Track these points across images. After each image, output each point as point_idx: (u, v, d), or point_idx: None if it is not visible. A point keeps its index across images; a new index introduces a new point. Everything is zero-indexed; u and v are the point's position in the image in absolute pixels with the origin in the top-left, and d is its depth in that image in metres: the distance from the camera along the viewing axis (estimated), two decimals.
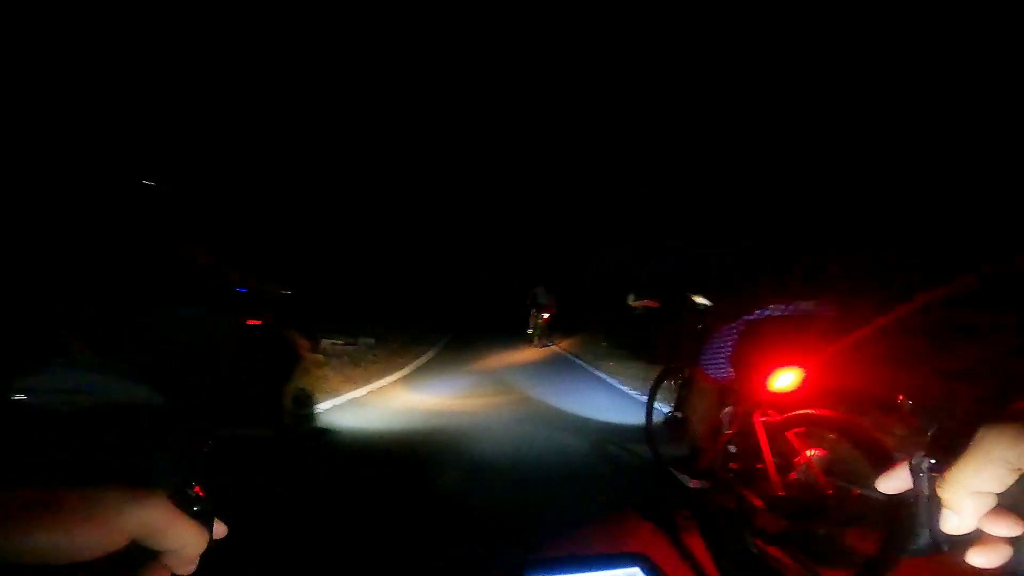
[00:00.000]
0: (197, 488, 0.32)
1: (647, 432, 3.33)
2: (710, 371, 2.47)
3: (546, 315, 10.83)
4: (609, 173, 19.37)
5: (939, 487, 0.31)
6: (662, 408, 3.43)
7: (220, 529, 0.35)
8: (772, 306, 2.19)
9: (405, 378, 6.88)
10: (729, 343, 2.35)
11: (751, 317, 2.26)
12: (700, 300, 2.80)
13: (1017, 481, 0.29)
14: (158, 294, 2.52)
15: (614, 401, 5.63)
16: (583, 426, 4.45)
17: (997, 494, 0.29)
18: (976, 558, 0.30)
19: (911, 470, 0.34)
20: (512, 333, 13.42)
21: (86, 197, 2.36)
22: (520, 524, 2.33)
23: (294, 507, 2.43)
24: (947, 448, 0.31)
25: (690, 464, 2.69)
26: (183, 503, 0.31)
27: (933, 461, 0.32)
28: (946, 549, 0.32)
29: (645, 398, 3.62)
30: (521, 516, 2.43)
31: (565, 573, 0.55)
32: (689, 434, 2.69)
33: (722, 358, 2.38)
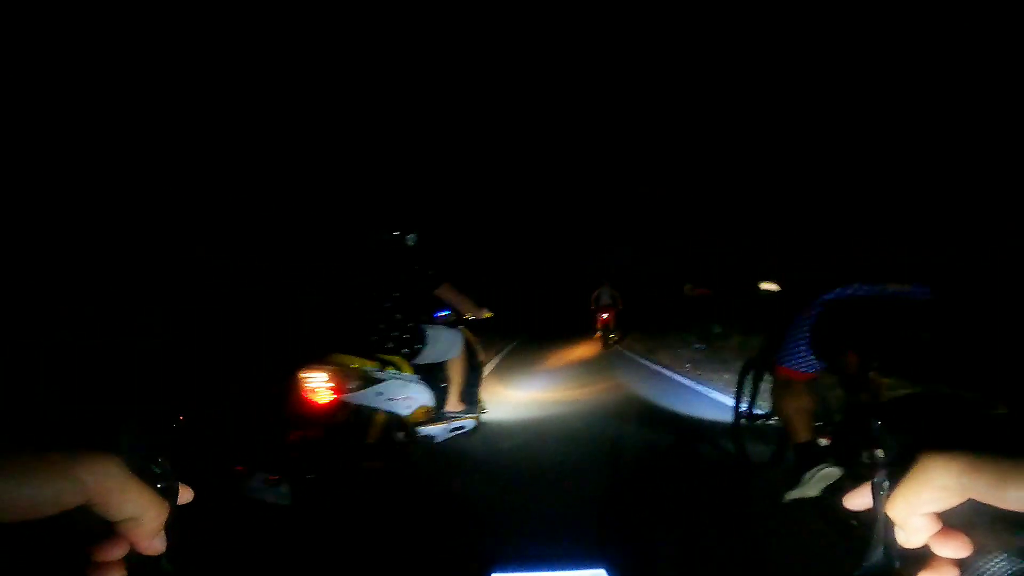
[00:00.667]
0: (164, 463, 0.32)
1: (733, 430, 3.14)
2: (793, 365, 2.16)
3: (604, 316, 10.84)
4: (609, 173, 19.39)
5: (888, 506, 0.32)
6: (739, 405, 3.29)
7: (186, 494, 0.34)
8: (856, 286, 1.95)
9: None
10: (807, 330, 2.07)
11: (831, 296, 2.01)
12: (767, 286, 2.56)
13: (968, 503, 0.30)
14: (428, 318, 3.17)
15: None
16: (665, 421, 4.48)
17: (941, 516, 0.31)
18: (940, 569, 0.31)
19: (872, 489, 0.35)
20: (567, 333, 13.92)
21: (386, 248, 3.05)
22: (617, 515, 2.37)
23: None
24: (897, 470, 0.32)
25: (783, 463, 2.39)
26: (144, 474, 0.31)
27: (888, 482, 0.33)
28: (897, 566, 0.33)
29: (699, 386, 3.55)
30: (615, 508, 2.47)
31: (530, 572, 0.55)
32: (784, 435, 2.36)
33: (804, 348, 2.09)
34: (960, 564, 0.30)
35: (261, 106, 8.88)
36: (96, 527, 0.30)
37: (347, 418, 2.44)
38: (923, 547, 0.31)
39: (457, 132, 16.48)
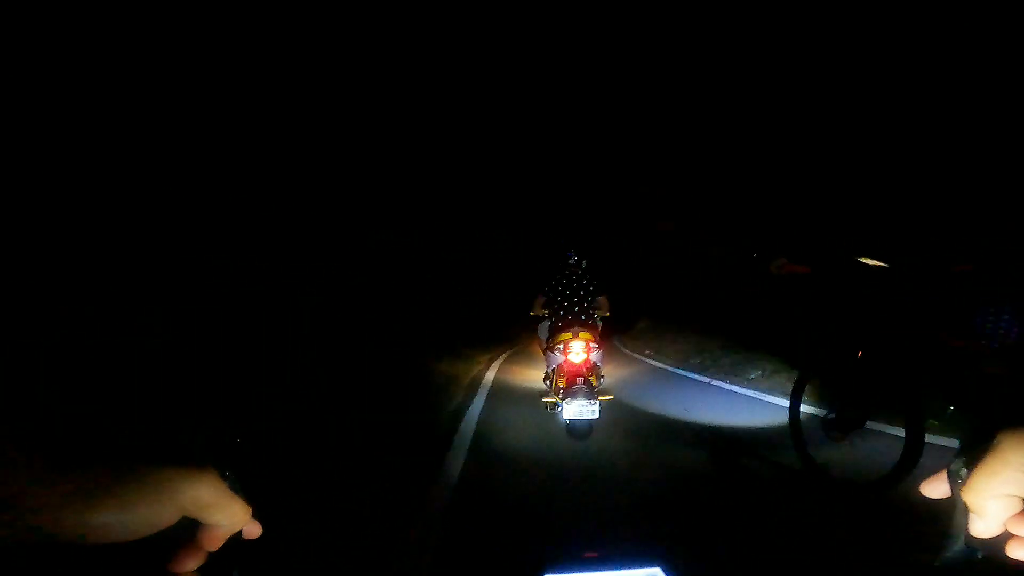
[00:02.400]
0: (231, 475, 0.34)
1: (795, 438, 2.81)
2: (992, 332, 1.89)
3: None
4: (609, 173, 19.35)
5: (964, 492, 0.31)
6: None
7: (256, 529, 0.35)
8: None
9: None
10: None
11: None
12: (870, 261, 2.36)
13: None
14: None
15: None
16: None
17: (1022, 498, 0.30)
18: (1017, 550, 0.30)
19: (949, 477, 0.34)
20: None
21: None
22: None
23: None
24: (973, 454, 0.31)
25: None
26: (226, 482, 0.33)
27: (965, 469, 0.32)
28: (979, 557, 0.32)
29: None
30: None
31: (584, 572, 0.54)
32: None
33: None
34: None
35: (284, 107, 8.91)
36: (183, 532, 0.31)
37: (592, 367, 3.76)
38: (1004, 535, 0.30)
39: (461, 133, 16.47)
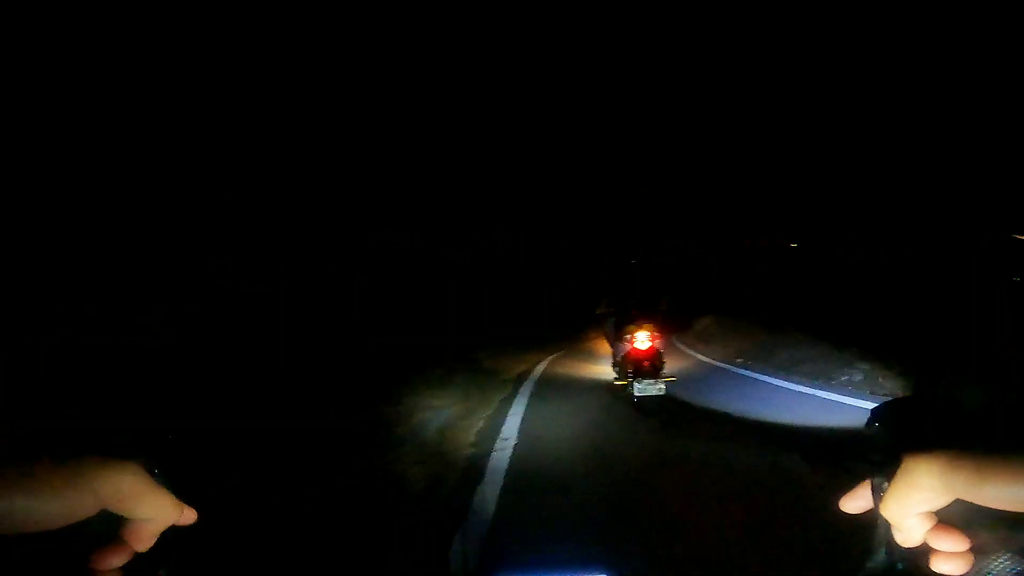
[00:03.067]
0: (160, 473, 0.33)
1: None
2: None
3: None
4: (608, 174, 19.38)
5: (882, 508, 0.32)
6: None
7: (189, 515, 0.35)
8: None
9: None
10: None
11: None
12: None
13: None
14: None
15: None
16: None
17: (940, 514, 0.31)
18: (941, 565, 0.30)
19: (872, 490, 0.34)
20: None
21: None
22: None
23: None
24: (891, 471, 0.32)
25: None
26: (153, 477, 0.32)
27: (885, 483, 0.32)
28: (900, 568, 0.33)
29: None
30: None
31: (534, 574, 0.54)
32: None
33: None
34: (962, 562, 0.30)
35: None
36: (103, 526, 0.30)
37: (655, 353, 4.36)
38: (924, 546, 0.31)
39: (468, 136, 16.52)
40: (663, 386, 4.10)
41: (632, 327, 4.45)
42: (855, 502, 0.36)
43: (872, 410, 0.37)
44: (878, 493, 0.33)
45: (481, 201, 18.99)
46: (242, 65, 8.30)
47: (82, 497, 0.28)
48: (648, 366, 4.23)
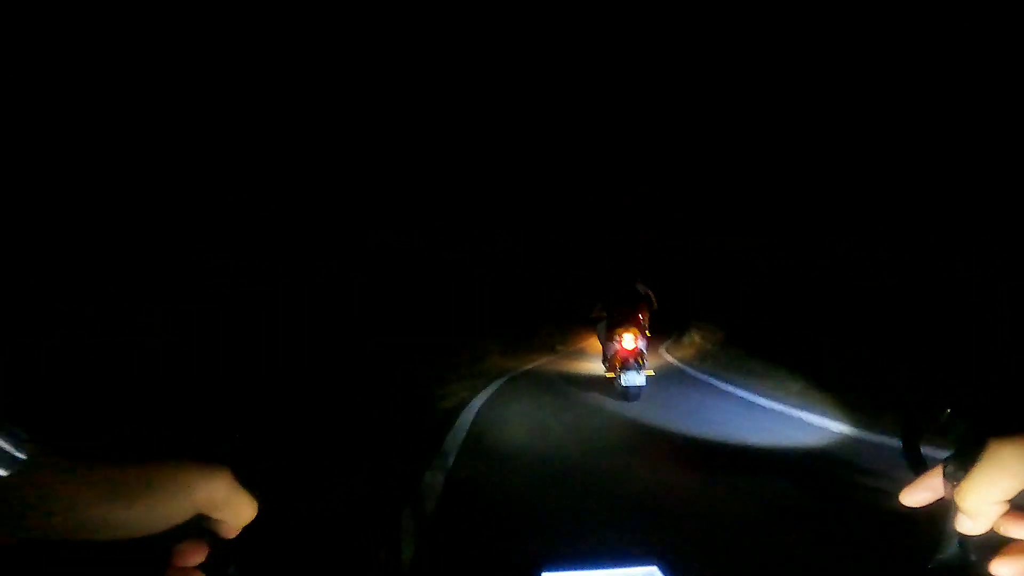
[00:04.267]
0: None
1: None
2: None
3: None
4: (606, 175, 19.42)
5: (956, 495, 0.32)
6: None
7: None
8: None
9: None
10: None
11: None
12: None
13: None
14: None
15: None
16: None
17: (1010, 501, 0.30)
18: (1000, 568, 0.30)
19: (944, 478, 0.34)
20: None
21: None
22: None
23: None
24: (967, 458, 0.31)
25: None
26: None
27: (960, 471, 0.32)
28: (973, 560, 0.32)
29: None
30: None
31: (581, 570, 0.55)
32: None
33: None
34: None
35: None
36: (195, 527, 0.31)
37: (638, 352, 5.17)
38: (996, 536, 0.31)
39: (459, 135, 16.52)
40: (644, 378, 5.11)
41: (620, 330, 5.37)
42: (921, 493, 0.35)
43: (942, 403, 0.36)
44: (951, 482, 0.33)
45: (480, 201, 19.02)
46: (242, 66, 8.30)
47: (179, 503, 0.29)
48: (633, 362, 5.12)
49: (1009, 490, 0.30)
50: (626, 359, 5.14)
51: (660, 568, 0.55)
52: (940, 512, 0.34)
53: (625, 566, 0.54)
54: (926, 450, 0.38)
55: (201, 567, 0.32)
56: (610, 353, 5.61)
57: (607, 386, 5.70)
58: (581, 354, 10.29)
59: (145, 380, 3.84)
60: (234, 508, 0.32)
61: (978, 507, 0.31)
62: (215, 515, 0.31)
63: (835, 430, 4.08)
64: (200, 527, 0.32)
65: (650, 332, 5.84)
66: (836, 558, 1.98)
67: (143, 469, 0.28)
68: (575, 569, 0.54)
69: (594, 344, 8.94)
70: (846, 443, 3.74)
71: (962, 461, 0.32)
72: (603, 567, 0.54)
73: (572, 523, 2.30)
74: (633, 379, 5.03)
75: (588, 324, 7.07)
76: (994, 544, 0.31)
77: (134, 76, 6.50)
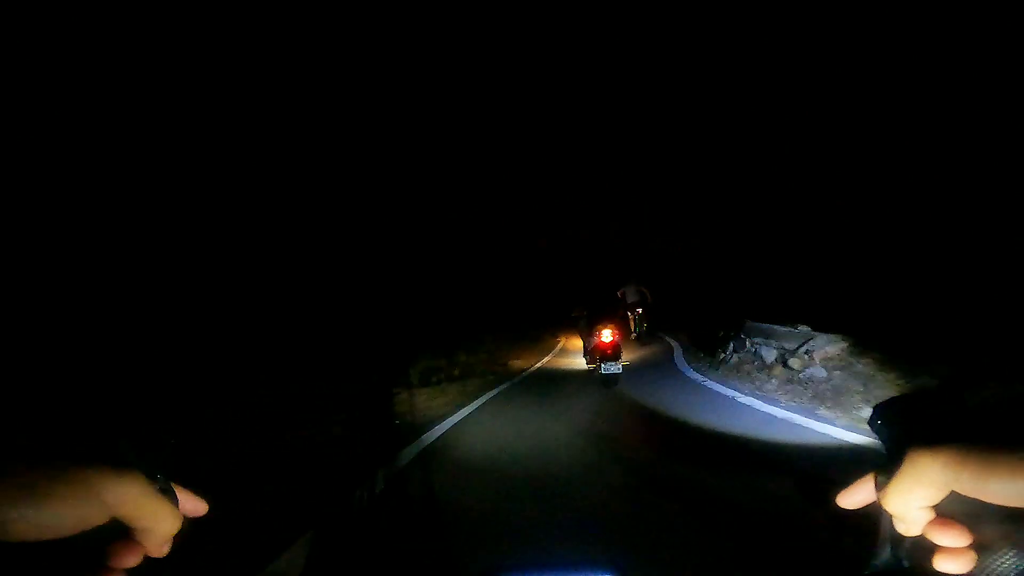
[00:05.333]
0: (162, 478, 0.34)
1: None
2: None
3: (640, 310, 11.05)
4: (604, 177, 19.43)
5: (883, 501, 0.33)
6: None
7: (200, 507, 0.36)
8: None
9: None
10: None
11: None
12: None
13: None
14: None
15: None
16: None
17: (944, 509, 0.31)
18: (945, 562, 0.30)
19: (875, 485, 0.34)
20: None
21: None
22: None
23: None
24: (894, 465, 0.32)
25: None
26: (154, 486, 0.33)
27: (887, 478, 0.33)
28: (906, 565, 0.33)
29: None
30: None
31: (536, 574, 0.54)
32: None
33: None
34: (966, 559, 0.30)
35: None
36: (115, 534, 0.31)
37: (615, 345, 5.82)
38: (928, 543, 0.32)
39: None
40: (620, 366, 5.83)
41: (599, 327, 6.13)
42: (856, 496, 0.36)
43: (875, 407, 0.37)
44: (881, 487, 0.33)
45: (459, 204, 19.05)
46: (244, 71, 8.32)
47: (90, 506, 0.29)
48: (611, 353, 5.83)
49: (929, 498, 0.31)
50: (605, 351, 5.87)
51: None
52: (871, 519, 0.35)
53: (580, 573, 0.52)
54: None
55: (136, 570, 0.32)
56: (590, 346, 6.58)
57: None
58: (563, 352, 10.95)
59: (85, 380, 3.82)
60: (150, 514, 0.31)
61: (903, 513, 0.32)
62: (131, 521, 0.31)
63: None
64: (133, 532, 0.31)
65: (648, 324, 8.08)
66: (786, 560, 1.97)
67: (52, 470, 0.28)
68: (529, 575, 0.53)
69: (573, 342, 10.45)
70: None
71: (889, 468, 0.33)
72: (557, 573, 0.53)
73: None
74: (611, 368, 5.79)
75: (569, 323, 8.17)
76: (926, 548, 0.32)
77: (138, 80, 6.51)
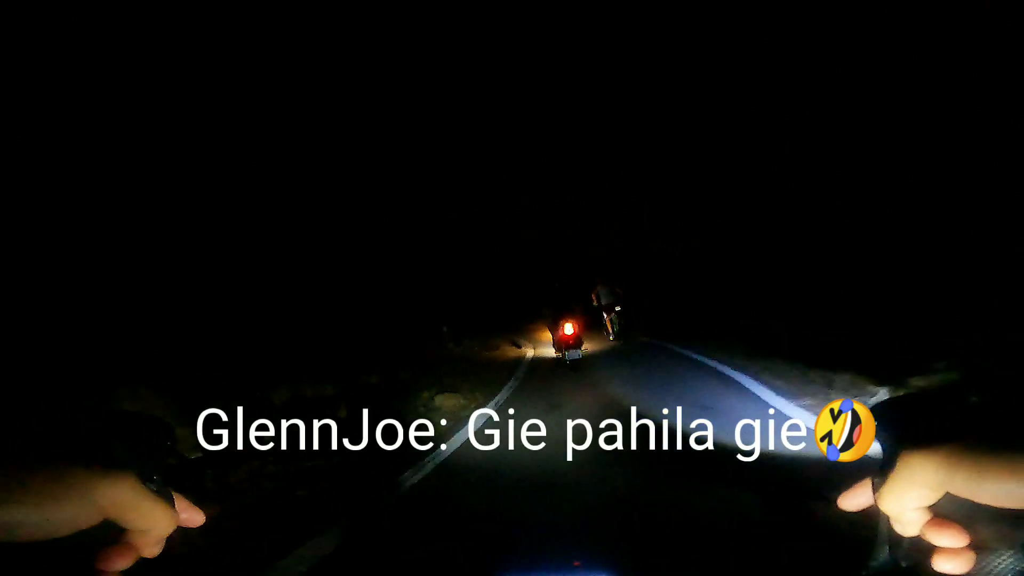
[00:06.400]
0: (158, 480, 0.33)
1: None
2: None
3: (617, 308, 10.97)
4: (601, 177, 19.44)
5: (879, 502, 0.33)
6: None
7: (197, 518, 0.36)
8: None
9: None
10: None
11: None
12: None
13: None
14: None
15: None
16: None
17: (941, 510, 0.31)
18: (942, 562, 0.30)
19: (872, 487, 0.34)
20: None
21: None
22: None
23: None
24: (889, 468, 0.33)
25: None
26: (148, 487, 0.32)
27: (882, 479, 0.33)
28: (904, 566, 0.33)
29: None
30: None
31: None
32: None
33: None
34: (964, 560, 0.30)
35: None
36: (108, 534, 0.31)
37: (577, 336, 7.01)
38: (926, 544, 0.32)
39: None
40: (581, 353, 7.06)
41: (563, 321, 7.25)
42: (855, 499, 0.36)
43: (872, 408, 0.37)
44: (877, 489, 0.33)
45: (459, 204, 19.07)
46: (244, 72, 8.32)
47: (83, 508, 0.28)
48: (573, 343, 7.04)
49: (924, 499, 0.31)
50: (567, 341, 7.10)
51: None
52: (869, 520, 0.35)
53: (580, 574, 0.52)
54: None
55: (129, 572, 0.31)
56: (557, 337, 7.81)
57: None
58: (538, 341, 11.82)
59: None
60: (143, 516, 0.31)
61: (898, 514, 0.32)
62: (123, 522, 0.30)
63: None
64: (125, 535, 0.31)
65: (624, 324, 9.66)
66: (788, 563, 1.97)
67: (46, 470, 0.28)
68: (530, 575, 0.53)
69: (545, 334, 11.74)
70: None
71: (885, 469, 0.33)
72: (558, 574, 0.52)
73: None
74: (574, 354, 7.03)
75: (540, 319, 10.15)
76: (923, 550, 0.32)
77: (141, 81, 6.51)
